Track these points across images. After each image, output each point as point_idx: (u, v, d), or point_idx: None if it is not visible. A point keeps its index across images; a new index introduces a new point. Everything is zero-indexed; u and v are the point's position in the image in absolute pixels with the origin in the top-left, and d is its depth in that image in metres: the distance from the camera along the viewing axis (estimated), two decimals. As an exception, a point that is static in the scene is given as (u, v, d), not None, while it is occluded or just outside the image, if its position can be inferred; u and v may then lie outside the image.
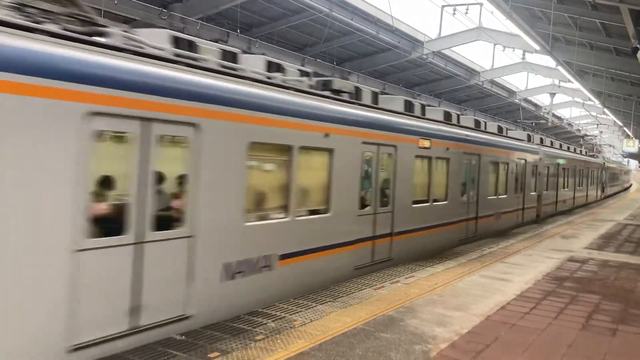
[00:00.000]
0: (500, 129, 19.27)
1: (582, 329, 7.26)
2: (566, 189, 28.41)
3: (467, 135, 14.86)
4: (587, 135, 55.18)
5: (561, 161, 26.68)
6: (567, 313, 7.99)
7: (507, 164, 17.93)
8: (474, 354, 6.05)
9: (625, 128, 47.30)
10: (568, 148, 32.54)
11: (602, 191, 43.33)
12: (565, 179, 28.13)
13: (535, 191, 21.58)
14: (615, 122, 47.34)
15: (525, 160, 19.77)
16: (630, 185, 77.22)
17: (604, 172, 43.59)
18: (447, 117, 14.80)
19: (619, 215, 26.32)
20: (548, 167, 23.68)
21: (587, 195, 35.28)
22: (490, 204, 16.54)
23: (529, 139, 22.94)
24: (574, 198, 30.72)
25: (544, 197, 23.08)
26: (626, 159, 76.85)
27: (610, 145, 69.48)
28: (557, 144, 29.78)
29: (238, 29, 20.60)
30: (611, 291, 9.57)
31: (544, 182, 23.22)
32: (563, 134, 62.06)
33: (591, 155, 41.33)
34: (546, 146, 25.27)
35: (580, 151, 37.15)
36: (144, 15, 16.87)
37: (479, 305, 8.12)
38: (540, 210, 22.71)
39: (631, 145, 40.29)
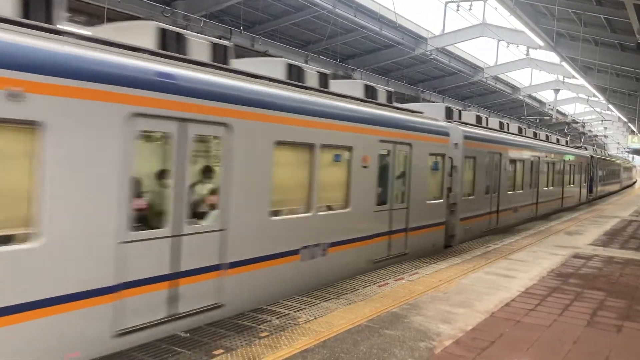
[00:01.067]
0: (370, 91, 11.37)
1: (587, 325, 7.24)
2: (520, 191, 19.94)
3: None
4: (575, 122, 49.30)
5: (506, 151, 18.02)
6: (572, 310, 7.97)
7: (349, 149, 9.81)
8: (479, 350, 6.04)
9: (630, 124, 47.09)
10: (536, 135, 24.21)
11: (590, 191, 34.97)
12: (521, 176, 19.94)
13: (442, 197, 13.50)
14: (619, 118, 47.13)
15: (411, 146, 11.80)
16: (635, 182, 76.47)
17: (592, 167, 35.16)
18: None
19: (624, 212, 26.23)
20: (475, 159, 15.61)
21: (562, 198, 26.66)
22: (292, 233, 8.58)
23: (449, 114, 15.27)
24: (536, 204, 22.12)
25: (465, 206, 14.96)
26: (631, 155, 76.49)
27: (605, 136, 66.50)
28: (514, 127, 21.64)
29: (241, 26, 20.58)
30: (616, 288, 9.54)
31: (466, 181, 15.12)
32: (567, 130, 61.76)
33: (578, 147, 34.33)
34: (474, 125, 16.67)
35: (558, 140, 30.32)
36: (147, 13, 16.86)
37: (484, 302, 8.11)
38: (455, 228, 14.41)
39: (636, 141, 40.05)
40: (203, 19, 19.04)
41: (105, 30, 7.10)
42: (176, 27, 7.93)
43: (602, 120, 55.73)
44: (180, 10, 18.59)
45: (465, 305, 7.85)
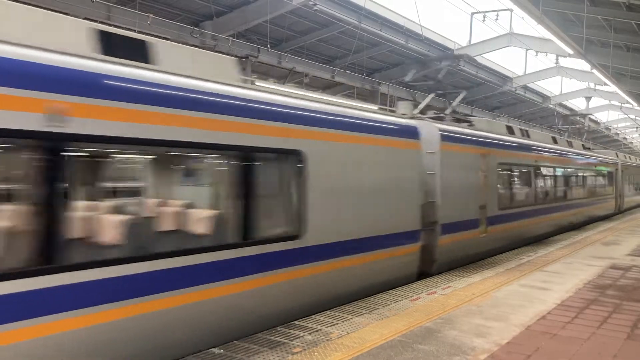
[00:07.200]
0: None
1: (627, 338, 7.05)
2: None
3: None
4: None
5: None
6: (610, 322, 7.78)
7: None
8: (515, 365, 5.94)
9: (666, 130, 45.87)
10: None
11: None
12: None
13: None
14: (655, 124, 46.02)
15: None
16: None
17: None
18: None
19: (663, 220, 25.50)
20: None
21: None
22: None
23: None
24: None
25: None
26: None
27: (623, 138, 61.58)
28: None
29: (268, 44, 20.87)
30: (657, 299, 9.27)
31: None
32: (600, 138, 60.62)
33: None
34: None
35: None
36: (177, 35, 17.25)
37: (519, 315, 7.98)
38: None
39: (673, 148, 38.92)
40: (231, 38, 19.38)
41: None
42: (205, 47, 8.15)
43: (637, 127, 54.48)
44: (209, 31, 18.97)
45: (500, 319, 7.74)
